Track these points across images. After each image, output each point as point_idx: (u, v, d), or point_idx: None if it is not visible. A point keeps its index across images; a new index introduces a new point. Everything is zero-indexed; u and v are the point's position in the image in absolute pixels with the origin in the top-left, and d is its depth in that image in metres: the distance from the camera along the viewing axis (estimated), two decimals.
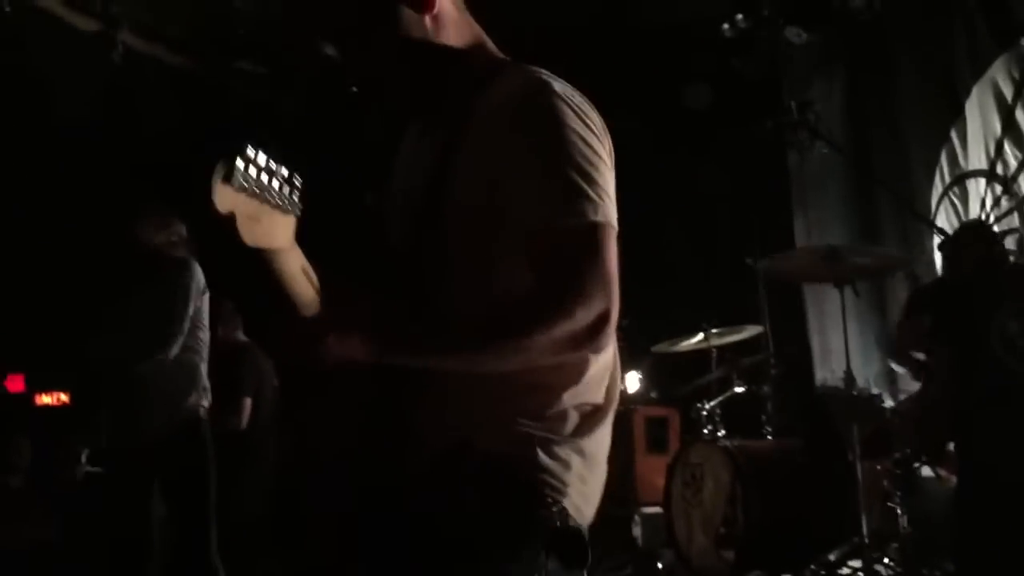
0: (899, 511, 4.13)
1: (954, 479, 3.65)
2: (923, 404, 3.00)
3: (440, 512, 1.35)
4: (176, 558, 3.59)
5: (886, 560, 4.10)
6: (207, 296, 3.72)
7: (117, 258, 3.94)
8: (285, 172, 1.32)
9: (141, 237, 3.69)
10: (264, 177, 1.28)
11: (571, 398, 1.41)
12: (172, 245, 3.71)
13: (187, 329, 3.56)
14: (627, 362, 5.70)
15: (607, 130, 1.45)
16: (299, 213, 1.34)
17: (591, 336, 1.31)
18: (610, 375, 1.48)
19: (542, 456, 1.36)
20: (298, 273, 1.38)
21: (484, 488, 1.34)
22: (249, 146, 1.26)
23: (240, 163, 1.24)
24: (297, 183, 1.34)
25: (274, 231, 1.32)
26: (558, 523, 1.36)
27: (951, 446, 2.84)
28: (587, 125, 1.39)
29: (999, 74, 5.06)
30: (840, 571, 4.16)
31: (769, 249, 5.60)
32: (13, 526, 5.26)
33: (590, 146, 1.37)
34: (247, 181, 1.25)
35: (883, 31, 5.59)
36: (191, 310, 3.59)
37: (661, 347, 5.18)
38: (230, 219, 1.27)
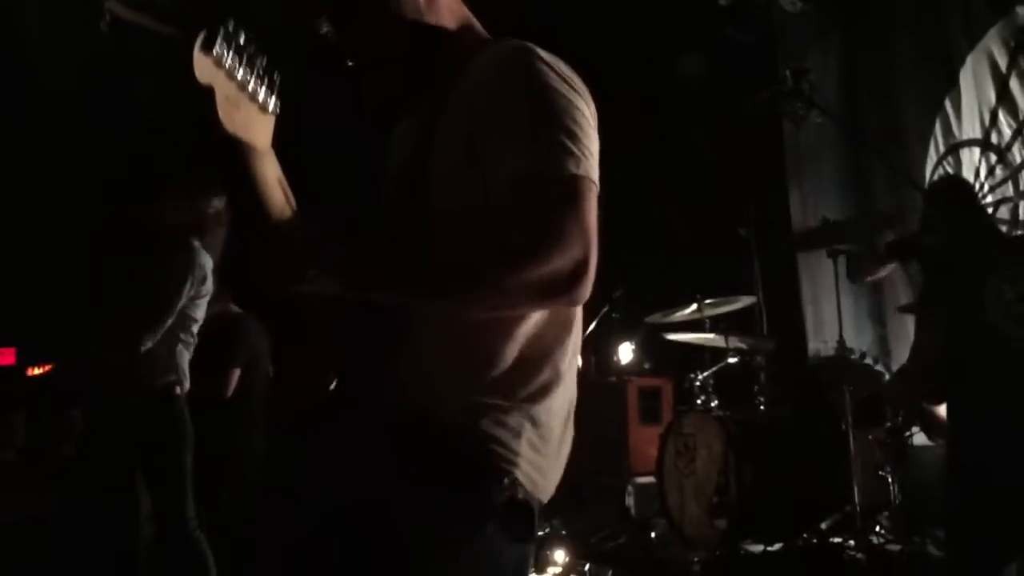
0: (890, 480, 4.15)
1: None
2: (913, 370, 3.00)
3: (392, 489, 1.34)
4: (159, 531, 3.57)
5: (877, 529, 4.13)
6: (208, 282, 3.60)
7: (114, 235, 3.87)
8: (263, 63, 1.31)
9: (153, 216, 3.58)
10: (243, 59, 1.27)
11: (525, 363, 1.39)
12: (186, 228, 3.58)
13: (171, 320, 3.46)
14: (620, 333, 5.72)
15: (591, 97, 1.45)
16: (276, 112, 1.33)
17: (569, 283, 1.29)
18: (571, 342, 1.46)
19: (489, 426, 1.35)
20: (273, 181, 1.37)
21: (431, 464, 1.33)
22: (232, 23, 1.25)
23: (220, 35, 1.23)
24: (276, 80, 1.33)
25: (251, 125, 1.31)
26: (506, 495, 1.35)
27: (943, 412, 2.84)
28: (571, 87, 1.40)
29: (993, 43, 5.02)
30: (832, 540, 4.18)
31: (763, 219, 5.60)
32: (7, 499, 5.26)
33: (574, 105, 1.38)
34: (225, 55, 1.24)
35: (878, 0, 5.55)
36: (182, 301, 3.48)
37: (654, 318, 5.17)
38: (209, 94, 1.26)
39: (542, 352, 1.42)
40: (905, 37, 5.50)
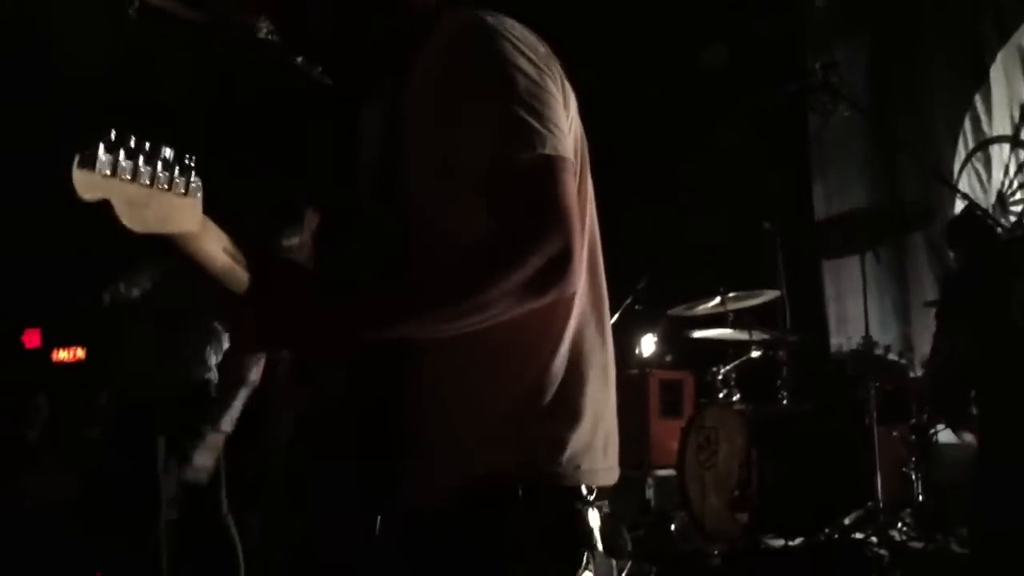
0: (914, 477, 4.13)
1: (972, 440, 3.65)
2: (940, 369, 2.99)
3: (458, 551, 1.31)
4: (187, 515, 3.61)
5: (900, 525, 4.11)
6: None
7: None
8: (169, 153, 1.25)
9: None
10: (138, 160, 1.22)
11: (543, 362, 1.33)
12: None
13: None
14: (643, 325, 5.70)
15: (554, 58, 1.37)
16: (199, 193, 1.28)
17: (555, 277, 1.22)
18: (577, 324, 1.37)
19: (542, 455, 1.30)
20: (218, 254, 1.32)
21: (510, 527, 1.29)
22: (113, 131, 1.20)
23: (102, 147, 1.19)
24: (189, 163, 1.27)
25: (171, 215, 1.25)
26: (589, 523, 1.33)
27: (973, 410, 2.83)
28: (528, 58, 1.31)
29: None
30: (853, 536, 4.16)
31: (788, 213, 5.56)
32: (30, 479, 5.32)
33: (532, 79, 1.29)
34: (112, 165, 1.19)
35: None
36: None
37: (677, 310, 5.16)
38: (105, 207, 1.20)
39: (556, 345, 1.34)
40: (935, 32, 5.45)
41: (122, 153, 1.20)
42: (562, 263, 1.22)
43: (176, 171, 1.25)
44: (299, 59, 1.50)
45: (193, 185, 1.27)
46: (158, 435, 3.53)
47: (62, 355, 6.48)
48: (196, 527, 3.56)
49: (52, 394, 5.99)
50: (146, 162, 1.22)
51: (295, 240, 3.42)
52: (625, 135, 6.04)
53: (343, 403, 1.43)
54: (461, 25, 1.34)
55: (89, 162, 1.18)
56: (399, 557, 1.39)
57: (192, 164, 1.27)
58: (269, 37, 1.45)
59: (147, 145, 1.23)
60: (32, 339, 6.46)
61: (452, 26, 1.36)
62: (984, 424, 2.75)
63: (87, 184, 1.18)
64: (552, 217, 1.22)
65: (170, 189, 1.25)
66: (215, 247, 1.30)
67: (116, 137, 1.20)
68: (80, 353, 6.56)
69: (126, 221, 1.21)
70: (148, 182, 1.22)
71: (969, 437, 3.60)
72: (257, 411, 4.52)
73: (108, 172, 1.19)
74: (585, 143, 1.41)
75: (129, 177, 1.21)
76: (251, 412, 4.43)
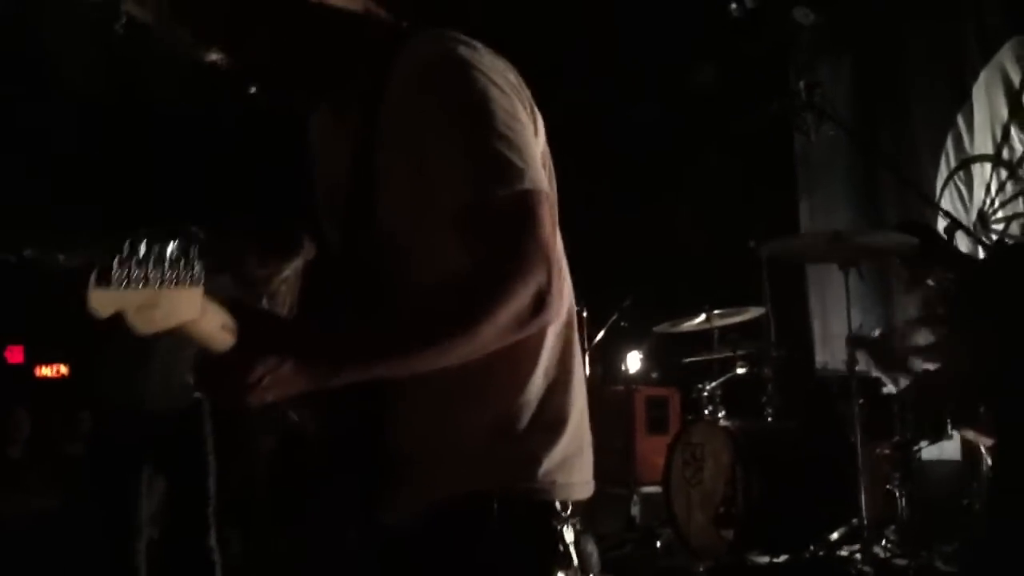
0: (898, 494, 4.14)
1: (984, 440, 3.67)
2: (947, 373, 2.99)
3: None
4: (170, 538, 3.58)
5: (884, 542, 4.12)
6: None
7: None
8: (172, 249, 1.27)
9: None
10: (148, 265, 1.24)
11: (521, 381, 1.36)
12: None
13: None
14: (629, 342, 5.72)
15: (524, 85, 1.38)
16: (201, 281, 1.28)
17: (537, 310, 1.25)
18: (564, 341, 1.41)
19: (519, 471, 1.33)
20: (217, 333, 1.32)
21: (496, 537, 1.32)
22: (127, 244, 1.23)
23: (116, 261, 1.22)
24: (192, 254, 1.28)
25: (177, 307, 1.27)
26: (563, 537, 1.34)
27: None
28: (502, 89, 1.32)
29: (1007, 59, 5.03)
30: (839, 553, 4.17)
31: (773, 231, 5.59)
32: (12, 496, 5.27)
33: (507, 111, 1.30)
34: (126, 278, 1.22)
35: (892, 13, 5.56)
36: None
37: (662, 327, 5.17)
38: (118, 319, 1.22)
39: (540, 366, 1.37)
40: (918, 51, 5.51)
41: (134, 262, 1.23)
42: (544, 296, 1.25)
43: (181, 265, 1.27)
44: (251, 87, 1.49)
45: (195, 275, 1.29)
46: (143, 452, 3.51)
47: (45, 371, 6.44)
48: (177, 550, 3.52)
49: (34, 411, 5.95)
50: (155, 266, 1.25)
51: (288, 272, 3.38)
52: (612, 155, 6.08)
53: (325, 424, 1.44)
54: (435, 56, 1.33)
55: (105, 279, 1.21)
56: (378, 573, 1.41)
57: (193, 255, 1.28)
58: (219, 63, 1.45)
59: (156, 248, 1.25)
60: (15, 355, 6.42)
61: (425, 55, 1.34)
62: (1002, 435, 2.73)
63: (104, 302, 1.22)
64: (533, 253, 1.25)
65: (176, 285, 1.27)
66: (212, 326, 1.31)
67: (129, 248, 1.23)
68: (63, 370, 6.52)
69: (138, 327, 1.23)
70: (157, 286, 1.25)
71: (973, 435, 3.60)
72: (234, 425, 4.51)
73: (123, 286, 1.22)
74: (551, 166, 1.42)
75: (141, 286, 1.23)
76: (229, 426, 4.42)
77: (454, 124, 1.29)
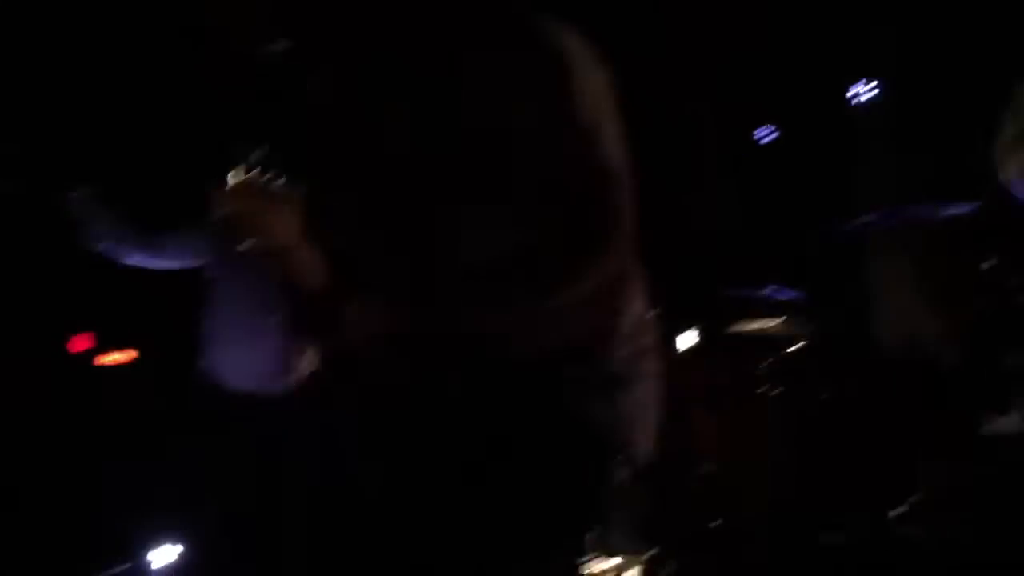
0: (958, 470, 4.06)
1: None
2: None
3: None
4: None
5: (946, 519, 4.04)
6: None
7: None
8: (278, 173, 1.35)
9: None
10: (263, 175, 1.33)
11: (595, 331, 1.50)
12: None
13: None
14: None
15: (602, 67, 1.45)
16: (296, 195, 1.36)
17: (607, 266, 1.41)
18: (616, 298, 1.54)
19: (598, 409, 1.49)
20: (312, 266, 1.38)
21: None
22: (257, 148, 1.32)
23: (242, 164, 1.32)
24: (294, 181, 1.36)
25: (275, 227, 1.34)
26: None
27: None
28: (590, 68, 1.40)
29: None
30: (896, 530, 4.11)
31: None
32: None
33: (595, 90, 1.39)
34: (252, 177, 1.31)
35: None
36: None
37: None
38: (231, 218, 1.31)
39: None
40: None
41: (253, 169, 1.34)
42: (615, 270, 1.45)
43: (282, 184, 1.37)
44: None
45: (293, 198, 1.38)
46: None
47: (114, 357, 6.60)
48: None
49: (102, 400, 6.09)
50: (267, 177, 1.35)
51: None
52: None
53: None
54: (525, 33, 1.38)
55: (236, 174, 1.32)
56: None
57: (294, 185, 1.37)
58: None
59: (271, 160, 1.36)
60: (81, 343, 6.59)
61: (514, 32, 1.38)
62: None
63: (230, 194, 1.33)
64: (611, 228, 1.38)
65: (278, 200, 1.37)
66: (305, 259, 1.37)
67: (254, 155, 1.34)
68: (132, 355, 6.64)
69: (245, 231, 1.32)
70: (268, 196, 1.36)
71: None
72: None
73: (249, 184, 1.34)
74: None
75: (260, 190, 1.35)
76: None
77: (547, 104, 1.35)
